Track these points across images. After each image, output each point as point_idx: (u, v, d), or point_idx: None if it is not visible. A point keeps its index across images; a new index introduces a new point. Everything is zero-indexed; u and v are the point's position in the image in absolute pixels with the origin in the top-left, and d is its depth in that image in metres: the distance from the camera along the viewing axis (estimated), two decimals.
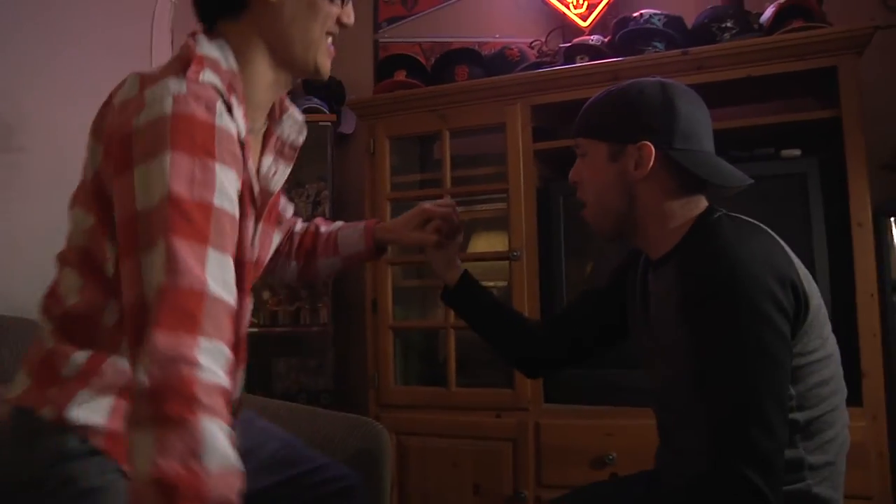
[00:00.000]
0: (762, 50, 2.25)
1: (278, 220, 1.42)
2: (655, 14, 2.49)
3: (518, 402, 2.41)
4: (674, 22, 2.48)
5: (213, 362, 0.88)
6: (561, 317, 1.63)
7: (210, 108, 0.98)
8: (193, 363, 0.85)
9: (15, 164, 2.37)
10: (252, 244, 1.22)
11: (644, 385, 2.16)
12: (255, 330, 3.01)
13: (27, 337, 2.06)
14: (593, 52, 2.55)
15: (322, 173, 3.12)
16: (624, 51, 2.48)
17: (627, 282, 1.45)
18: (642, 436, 2.18)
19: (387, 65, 2.85)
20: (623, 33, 2.50)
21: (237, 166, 1.04)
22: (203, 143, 0.96)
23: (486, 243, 2.88)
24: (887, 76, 2.54)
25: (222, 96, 1.03)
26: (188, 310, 0.88)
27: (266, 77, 1.16)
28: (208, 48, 1.09)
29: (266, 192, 1.23)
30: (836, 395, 1.20)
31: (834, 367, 1.20)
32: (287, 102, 1.29)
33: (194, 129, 0.96)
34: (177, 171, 0.93)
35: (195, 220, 0.93)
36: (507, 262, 2.50)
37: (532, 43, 2.94)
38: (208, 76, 1.03)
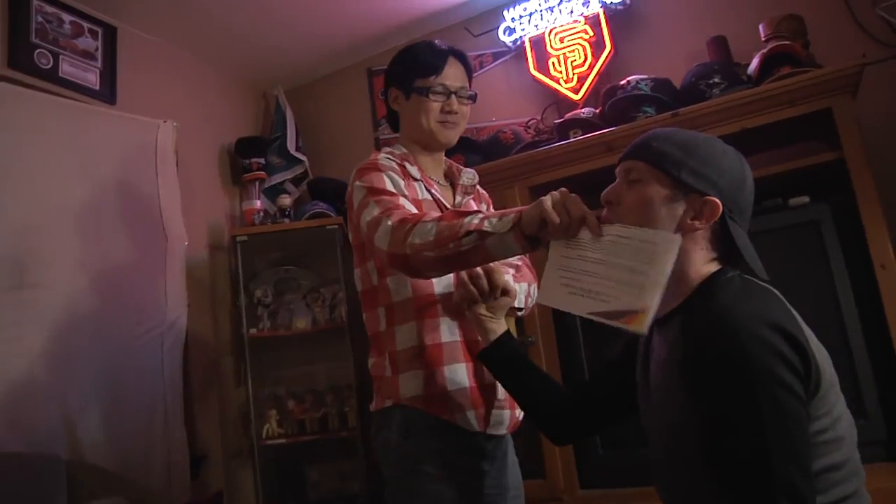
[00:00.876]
0: (752, 101, 2.21)
1: None
2: (642, 79, 2.48)
3: (552, 492, 2.32)
4: (661, 85, 2.46)
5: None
6: (585, 386, 1.53)
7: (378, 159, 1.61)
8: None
9: (29, 300, 2.40)
10: None
11: None
12: (282, 441, 2.98)
13: (47, 473, 2.07)
14: (586, 125, 2.53)
15: (335, 276, 3.12)
16: (615, 120, 2.46)
17: (637, 347, 1.37)
18: None
19: None
20: (612, 102, 2.48)
21: (399, 174, 1.58)
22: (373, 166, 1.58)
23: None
24: (890, 112, 2.46)
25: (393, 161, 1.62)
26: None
27: (422, 154, 1.70)
28: (385, 149, 1.69)
29: None
30: (852, 482, 1.10)
31: (847, 451, 1.10)
32: (457, 166, 1.78)
33: (369, 164, 1.59)
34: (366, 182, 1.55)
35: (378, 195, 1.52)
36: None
37: (528, 122, 2.95)
38: (382, 155, 1.64)
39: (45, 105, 2.63)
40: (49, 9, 2.74)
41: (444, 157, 1.77)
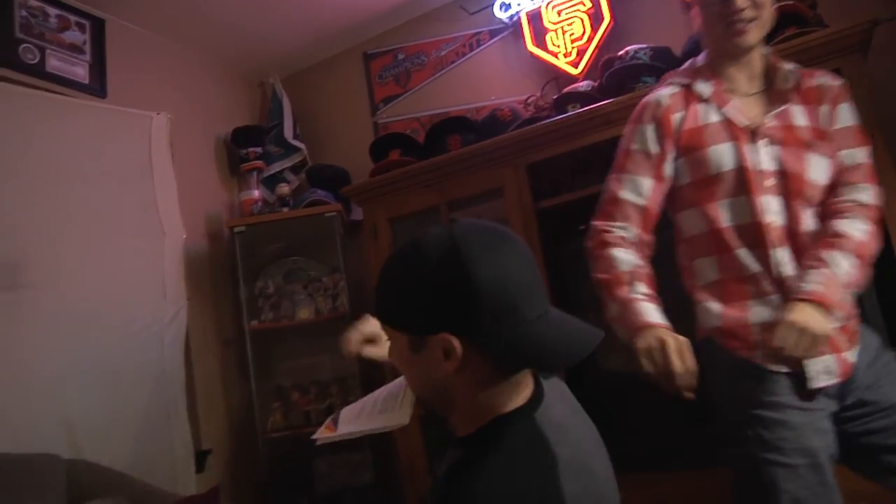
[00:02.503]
0: None
1: (807, 144, 1.52)
2: (641, 49, 2.39)
3: None
4: (661, 54, 2.38)
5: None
6: None
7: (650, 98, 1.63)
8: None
9: (22, 300, 2.36)
10: (754, 158, 1.50)
11: (689, 444, 2.00)
12: (288, 433, 2.93)
13: (46, 472, 2.03)
14: (584, 98, 2.45)
15: (335, 264, 3.06)
16: (614, 92, 2.37)
17: None
18: (699, 500, 2.03)
19: (380, 146, 2.81)
20: (610, 74, 2.40)
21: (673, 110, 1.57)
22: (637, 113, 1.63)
23: None
24: None
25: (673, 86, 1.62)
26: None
27: (727, 63, 1.58)
28: (687, 63, 1.68)
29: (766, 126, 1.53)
30: None
31: None
32: (779, 66, 1.58)
33: (639, 106, 1.64)
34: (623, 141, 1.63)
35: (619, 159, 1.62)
36: None
37: (528, 99, 2.86)
38: (669, 83, 1.64)
39: (34, 101, 2.58)
40: (34, 2, 2.69)
41: (771, 57, 1.61)
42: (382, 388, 1.25)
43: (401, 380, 1.19)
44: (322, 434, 1.15)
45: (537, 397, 1.02)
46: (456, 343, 0.93)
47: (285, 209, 3.12)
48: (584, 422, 1.08)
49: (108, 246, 2.67)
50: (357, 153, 3.21)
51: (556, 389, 1.07)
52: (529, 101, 2.87)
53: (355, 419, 1.15)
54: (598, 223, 1.62)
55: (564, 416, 1.03)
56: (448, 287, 0.93)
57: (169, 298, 2.81)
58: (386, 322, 1.03)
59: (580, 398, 2.12)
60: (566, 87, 2.74)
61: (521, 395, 1.01)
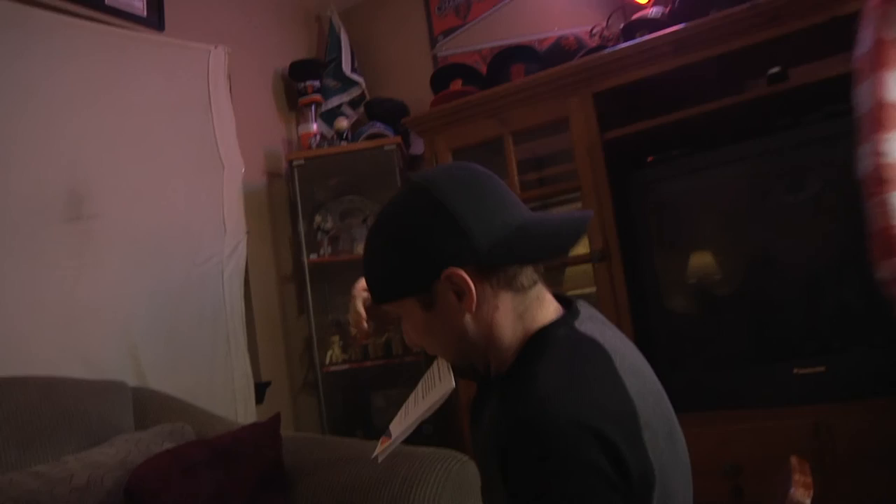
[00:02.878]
0: None
1: None
2: None
3: None
4: None
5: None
6: None
7: None
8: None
9: (87, 231, 2.38)
10: None
11: (754, 383, 1.93)
12: (346, 367, 2.94)
13: (114, 399, 2.07)
14: (654, 25, 2.34)
15: None
16: (686, 17, 2.25)
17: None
18: (761, 441, 1.97)
19: (441, 76, 2.74)
20: None
21: None
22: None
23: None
24: None
25: None
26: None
27: None
28: None
29: None
30: None
31: None
32: None
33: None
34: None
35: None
36: (591, 267, 2.30)
37: (592, 30, 2.76)
38: None
39: (93, 35, 2.56)
40: None
41: None
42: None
43: (432, 367, 1.13)
44: (380, 450, 1.11)
45: (572, 312, 0.98)
46: (462, 273, 0.92)
47: (344, 143, 3.08)
48: (624, 339, 1.02)
49: (169, 179, 2.68)
50: (416, 87, 3.15)
51: (588, 310, 1.02)
52: (594, 31, 2.76)
53: (403, 419, 1.10)
54: (869, 144, 1.35)
55: (605, 329, 0.98)
56: (432, 227, 0.93)
57: (229, 232, 2.82)
58: (390, 299, 1.00)
59: (646, 337, 2.08)
60: (633, 15, 2.62)
61: (550, 310, 0.98)
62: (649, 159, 2.29)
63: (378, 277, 1.01)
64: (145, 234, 2.55)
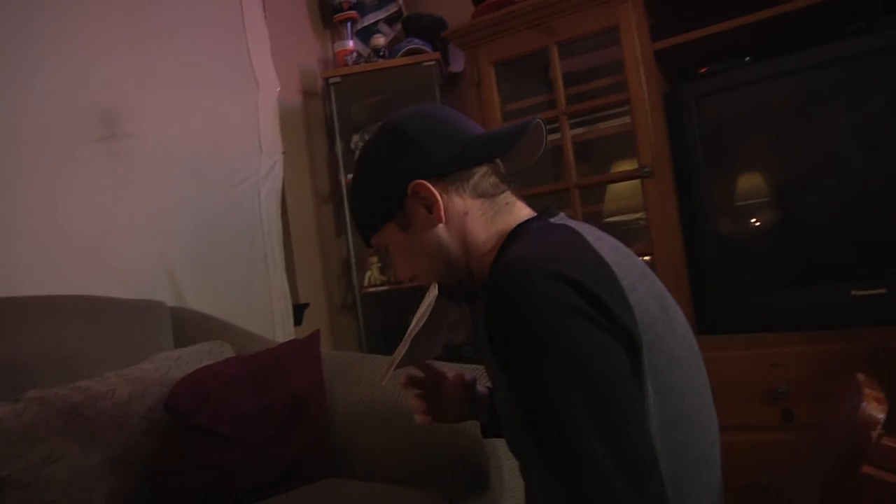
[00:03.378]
0: None
1: None
2: None
3: None
4: None
5: None
6: None
7: None
8: None
9: (121, 150, 2.35)
10: None
11: (810, 305, 1.86)
12: (385, 288, 2.91)
13: (153, 318, 2.07)
14: None
15: None
16: None
17: None
18: (815, 364, 1.91)
19: None
20: None
21: None
22: None
23: (614, 164, 2.59)
24: None
25: None
26: None
27: None
28: None
29: None
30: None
31: (687, 436, 0.89)
32: None
33: None
34: None
35: None
36: (639, 184, 2.22)
37: None
38: None
39: None
40: None
41: None
42: None
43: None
44: (385, 374, 1.14)
45: (548, 213, 1.03)
46: (426, 183, 0.99)
47: (381, 61, 2.98)
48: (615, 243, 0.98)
49: (203, 98, 2.63)
50: (455, 1, 3.02)
51: (565, 217, 1.04)
52: None
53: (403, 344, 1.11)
54: None
55: (584, 225, 0.98)
56: (392, 150, 1.03)
57: (265, 151, 2.78)
58: (373, 230, 1.07)
59: (696, 258, 2.00)
60: None
61: (523, 213, 1.04)
62: (702, 70, 2.17)
63: (359, 215, 1.10)
64: (180, 153, 2.51)
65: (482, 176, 1.03)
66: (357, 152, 1.14)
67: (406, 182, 1.00)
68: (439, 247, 1.02)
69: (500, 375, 0.91)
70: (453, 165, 1.01)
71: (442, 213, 1.00)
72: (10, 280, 1.99)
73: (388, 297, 2.99)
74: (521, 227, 1.00)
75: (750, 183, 2.19)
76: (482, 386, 1.27)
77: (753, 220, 2.19)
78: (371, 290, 2.94)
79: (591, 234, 0.94)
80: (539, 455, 0.81)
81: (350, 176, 2.90)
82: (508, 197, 1.04)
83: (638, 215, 2.40)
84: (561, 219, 1.01)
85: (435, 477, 1.53)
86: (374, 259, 2.97)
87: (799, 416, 1.93)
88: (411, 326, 1.08)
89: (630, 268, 0.89)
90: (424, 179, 0.99)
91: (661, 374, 0.85)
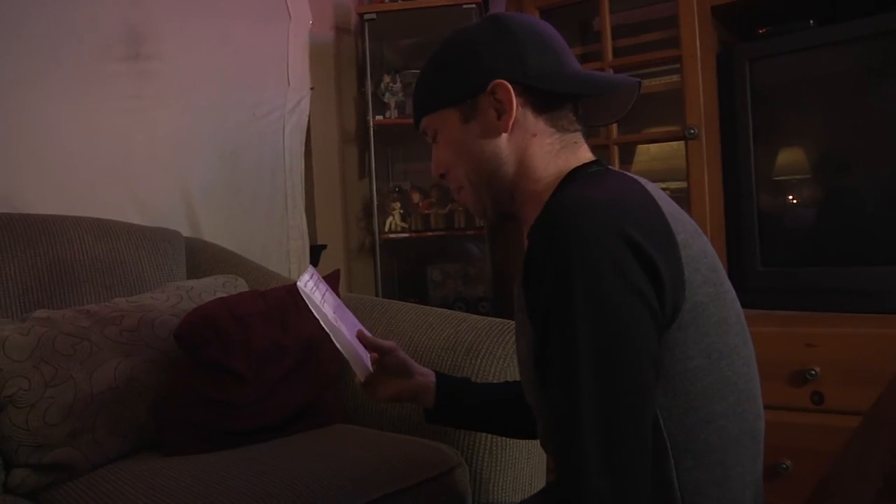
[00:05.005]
0: None
1: None
2: None
3: None
4: None
5: None
6: None
7: None
8: None
9: (148, 72, 2.27)
10: None
11: (851, 286, 1.77)
12: (406, 235, 2.84)
13: (167, 246, 2.01)
14: None
15: None
16: None
17: None
18: (851, 347, 1.83)
19: None
20: None
21: None
22: None
23: (657, 123, 2.48)
24: None
25: None
26: None
27: None
28: None
29: None
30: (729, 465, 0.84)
31: (730, 404, 0.84)
32: None
33: None
34: None
35: None
36: (681, 146, 2.12)
37: None
38: None
39: None
40: None
41: None
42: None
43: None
44: (304, 286, 1.07)
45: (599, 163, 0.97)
46: (508, 86, 0.92)
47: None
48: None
49: (233, 25, 2.55)
50: None
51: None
52: None
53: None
54: None
55: (654, 186, 0.91)
56: (492, 41, 0.95)
57: (292, 86, 2.70)
58: (435, 108, 1.00)
59: (737, 228, 1.90)
60: None
61: (586, 157, 0.98)
62: (761, 31, 2.05)
63: (428, 87, 1.02)
64: (206, 79, 2.43)
65: (563, 109, 0.96)
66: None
67: (490, 77, 0.93)
68: (493, 155, 0.96)
69: (523, 320, 0.88)
70: (544, 82, 0.93)
71: (510, 123, 0.93)
72: (22, 197, 1.95)
73: (407, 244, 2.93)
74: (581, 169, 0.94)
75: (798, 154, 2.09)
76: (426, 371, 1.23)
77: (798, 193, 2.10)
78: (391, 236, 2.87)
79: (648, 185, 0.88)
80: (543, 395, 0.81)
81: (378, 117, 2.85)
82: (577, 138, 0.98)
83: (670, 183, 2.29)
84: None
85: (449, 431, 1.46)
86: (396, 205, 2.90)
87: (830, 399, 1.85)
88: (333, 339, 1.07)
89: (686, 223, 0.85)
90: (510, 82, 0.92)
91: (710, 336, 0.81)
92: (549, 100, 0.95)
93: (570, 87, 0.95)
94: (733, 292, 0.88)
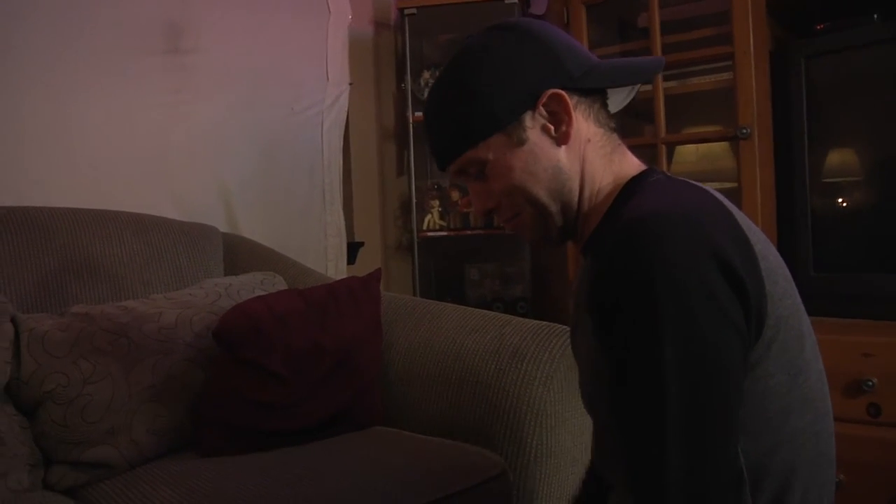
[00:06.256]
0: None
1: None
2: None
3: None
4: None
5: None
6: None
7: None
8: None
9: (186, 65, 2.25)
10: None
11: None
12: (444, 233, 2.80)
13: (204, 242, 1.99)
14: None
15: None
16: None
17: None
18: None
19: None
20: None
21: None
22: None
23: (700, 122, 2.41)
24: None
25: None
26: None
27: None
28: None
29: None
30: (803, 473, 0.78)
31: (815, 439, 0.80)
32: None
33: None
34: None
35: None
36: (725, 147, 2.07)
37: None
38: None
39: None
40: None
41: None
42: None
43: None
44: None
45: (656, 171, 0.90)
46: (563, 94, 0.85)
47: None
48: None
49: (272, 19, 2.53)
50: None
51: None
52: None
53: None
54: None
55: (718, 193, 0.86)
56: (525, 50, 0.87)
57: (331, 81, 2.68)
58: (477, 139, 0.87)
59: (790, 232, 1.84)
60: None
61: (635, 162, 0.92)
62: (818, 27, 1.97)
63: (459, 121, 0.89)
64: (244, 74, 2.41)
65: (602, 105, 0.91)
66: (440, 71, 0.94)
67: (538, 89, 0.85)
68: (557, 171, 0.87)
69: (586, 339, 0.83)
70: (587, 80, 0.87)
71: (572, 130, 0.86)
72: (60, 191, 1.94)
73: (445, 242, 2.89)
74: (642, 178, 0.87)
75: (854, 156, 2.01)
76: None
77: (853, 196, 2.02)
78: (429, 234, 2.83)
79: (716, 193, 0.83)
80: (619, 423, 0.74)
81: (418, 114, 2.81)
82: (618, 138, 0.92)
83: (730, 184, 2.23)
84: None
85: (493, 437, 1.42)
86: (435, 203, 2.86)
87: (887, 412, 1.78)
88: None
89: (757, 232, 0.79)
90: (562, 89, 0.85)
91: (790, 352, 0.76)
92: (592, 98, 0.89)
93: (608, 79, 0.90)
94: (801, 302, 0.83)
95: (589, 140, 0.88)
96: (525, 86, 0.86)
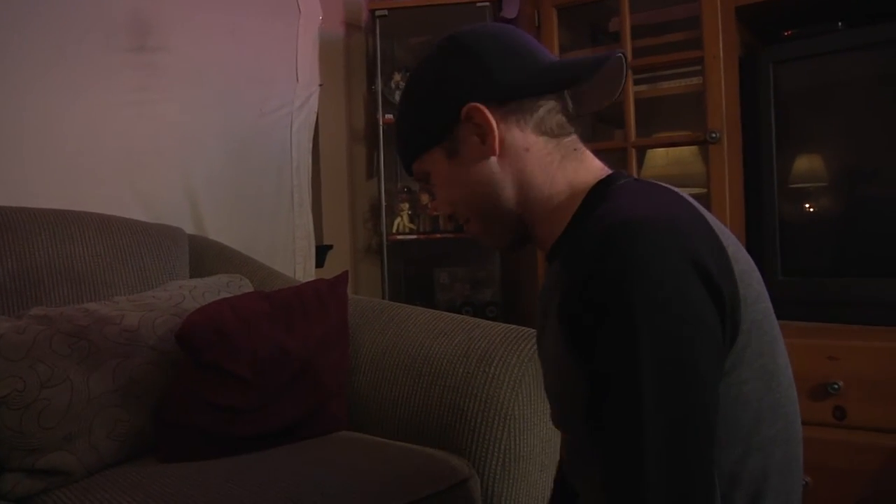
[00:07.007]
0: None
1: None
2: None
3: None
4: None
5: None
6: None
7: None
8: None
9: (154, 64, 2.21)
10: None
11: (876, 297, 1.71)
12: (414, 237, 2.79)
13: (170, 244, 1.96)
14: None
15: None
16: None
17: None
18: (875, 362, 1.77)
19: None
20: None
21: None
22: None
23: (671, 127, 2.42)
24: None
25: None
26: None
27: None
28: None
29: None
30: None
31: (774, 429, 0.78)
32: None
33: None
34: None
35: None
36: (695, 151, 2.07)
37: None
38: None
39: None
40: None
41: None
42: None
43: None
44: None
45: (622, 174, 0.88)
46: (482, 107, 0.85)
47: None
48: None
49: (242, 19, 2.49)
50: None
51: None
52: None
53: None
54: None
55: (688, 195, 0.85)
56: (449, 65, 0.89)
57: (301, 82, 2.65)
58: (418, 153, 0.93)
59: (758, 237, 1.85)
60: None
61: (596, 166, 0.90)
62: (786, 33, 1.99)
63: (404, 135, 0.95)
64: (213, 74, 2.37)
65: (548, 111, 0.88)
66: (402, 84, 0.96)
67: (460, 104, 0.86)
68: (489, 182, 0.88)
69: (556, 346, 0.81)
70: (518, 91, 0.86)
71: (496, 144, 0.86)
72: (22, 191, 1.89)
73: (415, 246, 2.87)
74: (609, 182, 0.86)
75: (822, 161, 2.03)
76: None
77: (821, 201, 2.04)
78: (399, 237, 2.81)
79: (686, 196, 0.82)
80: (596, 433, 0.72)
81: (388, 116, 2.80)
82: (575, 142, 0.90)
83: (699, 189, 2.24)
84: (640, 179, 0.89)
85: (461, 442, 1.40)
86: (405, 206, 2.84)
87: (852, 415, 1.79)
88: None
89: (729, 235, 0.79)
90: (482, 103, 0.85)
91: (764, 357, 0.75)
92: (528, 107, 0.88)
93: (545, 87, 0.88)
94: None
95: (527, 149, 0.88)
96: (449, 102, 0.88)
